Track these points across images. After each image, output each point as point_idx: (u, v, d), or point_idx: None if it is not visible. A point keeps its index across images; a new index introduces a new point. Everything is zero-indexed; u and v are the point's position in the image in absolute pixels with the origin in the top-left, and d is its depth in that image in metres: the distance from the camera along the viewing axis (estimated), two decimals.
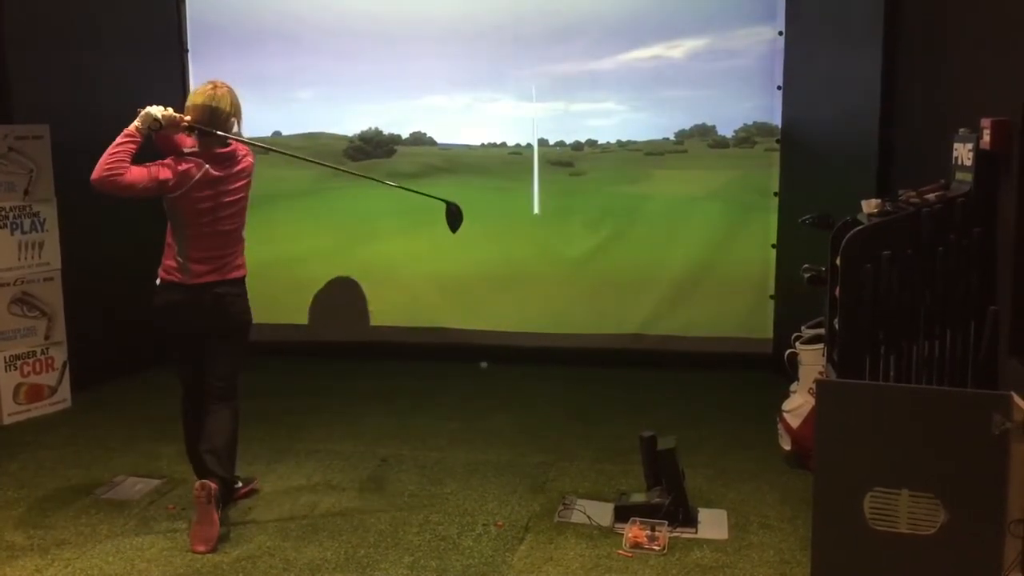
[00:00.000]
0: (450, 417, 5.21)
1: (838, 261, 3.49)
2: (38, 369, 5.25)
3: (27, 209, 5.18)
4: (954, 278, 3.33)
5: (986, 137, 3.20)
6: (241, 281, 3.86)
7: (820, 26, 5.53)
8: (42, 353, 5.27)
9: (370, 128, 6.40)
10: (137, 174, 3.56)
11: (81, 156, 5.20)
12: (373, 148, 6.42)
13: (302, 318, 6.53)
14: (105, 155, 3.53)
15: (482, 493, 4.12)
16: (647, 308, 6.16)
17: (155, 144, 3.77)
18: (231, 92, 3.78)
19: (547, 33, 6.09)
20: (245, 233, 3.92)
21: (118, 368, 5.85)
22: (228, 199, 3.76)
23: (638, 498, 3.84)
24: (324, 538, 3.68)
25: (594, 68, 6.10)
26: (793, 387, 4.49)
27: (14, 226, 5.13)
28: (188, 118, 3.69)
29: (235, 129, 3.79)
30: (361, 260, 6.45)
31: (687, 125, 6.07)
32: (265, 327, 6.40)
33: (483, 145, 6.31)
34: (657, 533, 3.61)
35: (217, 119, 3.70)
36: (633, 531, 3.61)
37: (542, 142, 6.23)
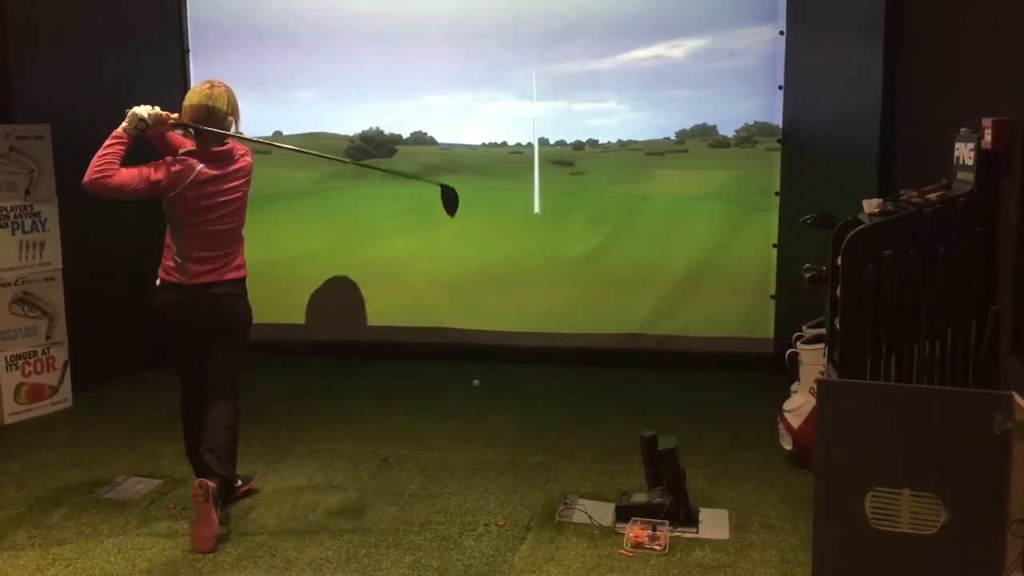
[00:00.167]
0: (451, 417, 5.21)
1: (839, 261, 3.49)
2: (39, 369, 5.25)
3: (28, 209, 5.18)
4: (955, 278, 3.33)
5: (987, 137, 3.20)
6: (240, 281, 3.84)
7: (821, 26, 5.52)
8: (43, 353, 5.27)
9: (371, 128, 6.40)
10: (127, 175, 3.56)
11: (82, 156, 5.20)
12: (374, 148, 6.42)
13: (302, 318, 6.53)
14: (94, 158, 3.55)
15: (483, 493, 4.12)
16: (648, 308, 6.16)
17: (152, 145, 3.79)
18: (229, 91, 3.78)
19: (548, 33, 6.09)
20: (245, 233, 3.91)
21: (119, 368, 5.85)
22: (224, 198, 3.75)
23: (639, 498, 3.84)
24: (325, 538, 3.69)
25: (595, 68, 6.11)
26: (794, 387, 4.49)
27: (15, 226, 5.13)
28: (175, 116, 3.71)
29: (233, 129, 3.79)
30: (361, 260, 6.45)
31: (688, 125, 6.07)
32: (265, 327, 6.40)
33: (484, 145, 6.31)
34: (658, 533, 3.61)
35: (214, 118, 3.70)
36: (634, 531, 3.61)
37: (543, 141, 6.23)
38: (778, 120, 5.90)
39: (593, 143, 6.19)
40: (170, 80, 6.15)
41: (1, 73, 5.19)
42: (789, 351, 4.48)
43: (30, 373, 5.21)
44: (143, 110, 3.62)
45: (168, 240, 3.80)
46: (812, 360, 4.29)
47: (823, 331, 4.10)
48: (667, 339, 6.14)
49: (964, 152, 3.43)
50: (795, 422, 4.32)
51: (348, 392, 5.73)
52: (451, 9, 6.16)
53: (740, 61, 5.94)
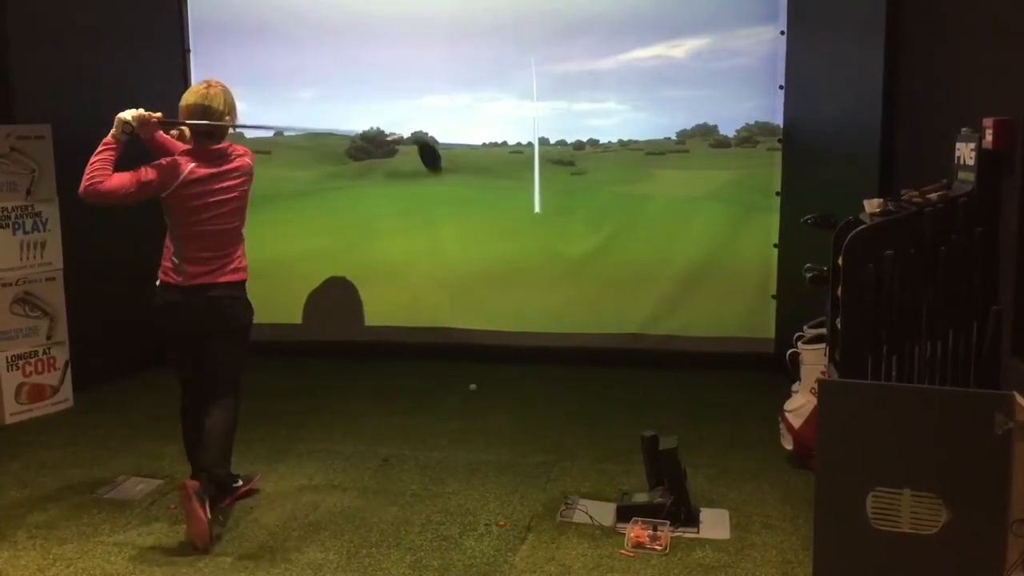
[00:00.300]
0: (451, 417, 5.21)
1: (840, 261, 3.50)
2: (40, 369, 5.25)
3: (29, 209, 5.18)
4: (956, 278, 3.33)
5: (988, 137, 3.20)
6: (239, 284, 3.82)
7: (822, 26, 5.52)
8: (44, 353, 5.27)
9: (372, 128, 6.40)
10: (118, 179, 3.58)
11: (83, 156, 5.19)
12: (375, 148, 6.42)
13: (302, 318, 6.53)
14: (86, 168, 3.59)
15: (484, 493, 4.12)
16: (648, 307, 6.16)
17: (149, 149, 3.81)
18: (225, 91, 3.77)
19: (548, 32, 6.09)
20: (246, 233, 3.90)
21: (119, 368, 5.85)
22: (219, 198, 3.72)
23: (640, 498, 3.84)
24: (326, 538, 3.68)
25: (595, 67, 6.10)
26: (795, 387, 4.49)
27: (16, 226, 5.13)
28: (158, 115, 3.73)
29: (232, 125, 3.79)
30: (361, 260, 6.45)
31: (688, 125, 6.07)
32: (265, 327, 6.41)
33: (484, 145, 6.31)
34: (659, 533, 3.61)
35: (210, 118, 3.69)
36: (635, 531, 3.61)
37: (543, 141, 6.23)
38: (779, 120, 5.90)
39: (594, 143, 6.19)
40: (171, 80, 6.14)
41: (1, 73, 5.19)
42: (790, 351, 4.48)
43: (31, 373, 5.21)
44: (128, 113, 3.66)
45: (167, 241, 3.81)
46: (813, 360, 4.29)
47: (824, 331, 4.10)
48: (668, 339, 6.14)
49: (965, 152, 3.43)
50: (796, 422, 4.31)
51: (348, 392, 5.72)
52: (452, 9, 6.16)
53: (741, 61, 5.94)
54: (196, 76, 6.24)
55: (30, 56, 5.30)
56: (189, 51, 6.34)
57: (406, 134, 6.37)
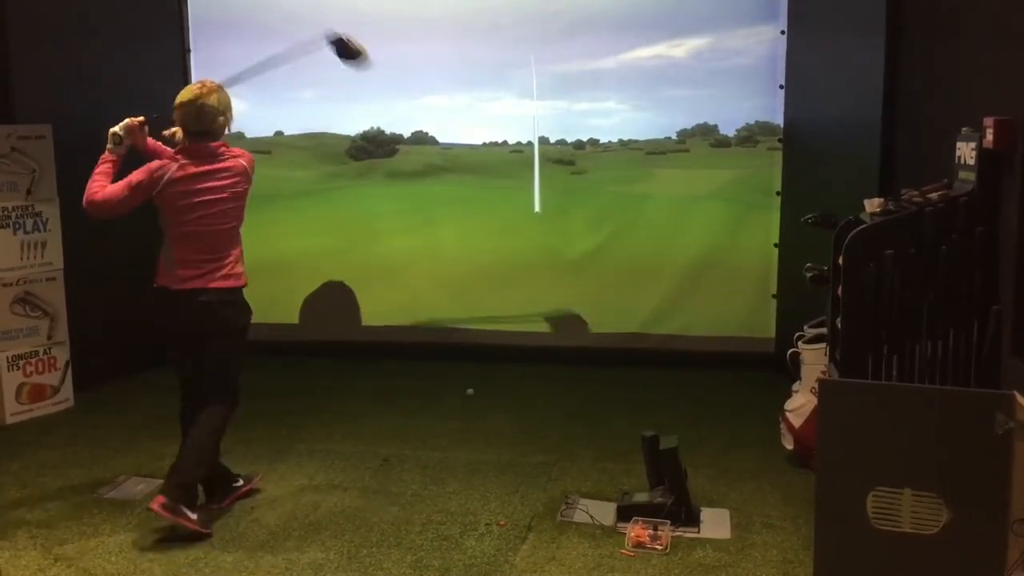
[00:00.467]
0: (451, 417, 5.21)
1: (840, 260, 3.49)
2: (40, 369, 5.25)
3: (29, 209, 5.18)
4: (957, 277, 3.32)
5: (989, 136, 3.20)
6: (233, 290, 3.77)
7: (822, 25, 5.52)
8: (44, 353, 5.27)
9: (372, 128, 6.40)
10: (111, 189, 3.64)
11: (83, 156, 5.19)
12: (375, 148, 6.42)
13: (302, 318, 6.53)
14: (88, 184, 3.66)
15: (484, 493, 4.12)
16: (649, 307, 6.16)
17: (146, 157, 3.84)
18: (220, 91, 3.75)
19: (549, 32, 6.09)
20: (248, 233, 3.89)
21: (120, 368, 5.85)
22: (208, 197, 3.68)
23: (641, 497, 3.84)
24: (326, 537, 3.69)
25: (596, 67, 6.10)
26: (795, 386, 4.49)
27: (16, 226, 5.13)
28: (141, 118, 3.77)
29: (227, 130, 3.77)
30: (361, 260, 6.45)
31: (689, 124, 6.07)
32: (265, 327, 6.41)
33: (484, 144, 6.30)
34: (660, 532, 3.61)
35: (203, 117, 3.67)
36: (636, 530, 3.61)
37: (543, 140, 6.23)
38: (779, 119, 5.90)
39: (594, 142, 6.19)
40: (171, 80, 6.14)
41: (1, 73, 5.19)
42: (790, 351, 4.48)
43: (31, 373, 5.21)
44: (117, 126, 3.74)
45: (164, 243, 3.81)
46: (813, 360, 4.28)
47: (824, 331, 4.10)
48: (668, 338, 6.14)
49: (965, 152, 3.43)
50: (796, 422, 4.31)
51: (348, 392, 5.72)
52: (452, 8, 6.16)
53: (741, 60, 5.94)
54: (196, 76, 6.24)
55: (30, 56, 5.30)
56: (189, 51, 6.34)
57: (407, 134, 6.37)
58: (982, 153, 3.28)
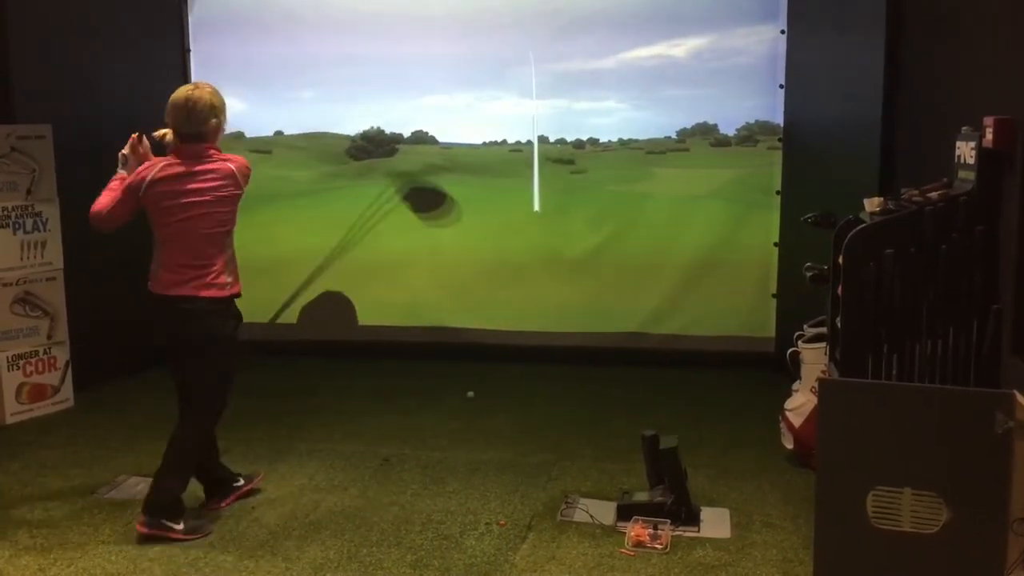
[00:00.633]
0: (451, 416, 5.21)
1: (840, 259, 3.49)
2: (40, 369, 5.25)
3: (29, 209, 5.18)
4: (957, 277, 3.32)
5: (989, 135, 3.20)
6: (216, 300, 3.66)
7: (822, 24, 5.52)
8: (44, 353, 5.27)
9: (372, 127, 6.40)
10: (104, 198, 3.68)
11: (83, 156, 5.21)
12: (375, 147, 6.42)
13: (302, 318, 6.53)
14: None
15: (484, 492, 4.12)
16: (649, 306, 6.16)
17: None
18: (213, 92, 3.69)
19: (549, 31, 6.09)
20: (232, 243, 3.77)
21: (120, 368, 5.85)
22: (192, 199, 3.61)
23: (641, 497, 3.84)
24: (326, 537, 3.69)
25: (596, 66, 6.10)
26: (795, 386, 4.49)
27: (16, 226, 5.13)
28: (136, 134, 3.79)
29: (222, 132, 3.72)
30: (361, 259, 6.44)
31: (689, 124, 6.07)
32: (265, 327, 6.44)
33: (484, 144, 6.30)
34: (660, 532, 3.61)
35: (194, 117, 3.61)
36: (636, 530, 3.61)
37: (542, 140, 6.23)
38: (779, 119, 5.90)
39: (594, 142, 6.19)
40: (170, 80, 6.13)
41: (2, 73, 5.19)
42: (790, 350, 4.48)
43: (31, 373, 5.21)
44: (125, 148, 3.79)
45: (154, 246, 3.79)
46: (813, 359, 4.29)
47: (824, 330, 4.10)
48: (668, 338, 6.14)
49: (965, 151, 3.43)
50: (796, 421, 4.31)
51: (348, 392, 5.72)
52: (452, 8, 6.16)
53: (741, 60, 5.94)
54: (196, 75, 6.25)
55: (30, 56, 5.30)
56: (189, 51, 6.34)
57: (407, 133, 6.37)
58: (982, 152, 3.28)
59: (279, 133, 6.44)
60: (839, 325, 3.52)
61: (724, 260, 6.04)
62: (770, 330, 5.96)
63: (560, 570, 3.41)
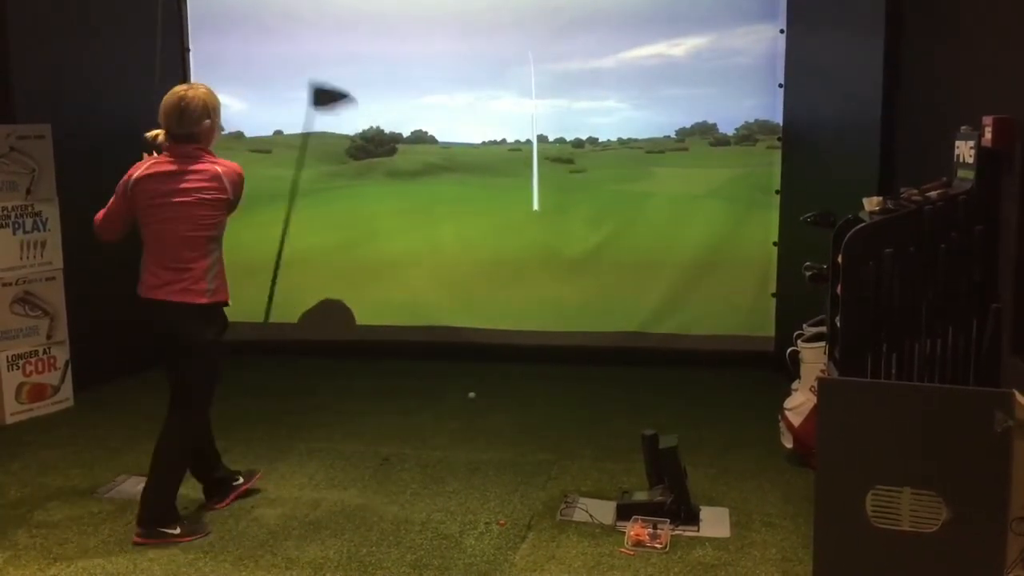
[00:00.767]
0: (451, 416, 5.22)
1: (840, 259, 3.49)
2: (40, 368, 5.25)
3: (29, 209, 5.18)
4: (956, 276, 3.33)
5: (988, 135, 3.20)
6: (193, 307, 3.60)
7: (822, 24, 5.52)
8: (44, 352, 5.27)
9: (371, 127, 6.40)
10: (105, 207, 3.69)
11: (83, 156, 5.21)
12: (375, 147, 6.42)
13: (302, 317, 6.53)
14: None
15: (484, 492, 4.12)
16: (648, 306, 6.16)
17: None
18: (207, 94, 3.65)
19: (549, 31, 6.10)
20: (218, 250, 3.70)
21: (119, 368, 5.85)
22: (175, 199, 3.56)
23: (640, 496, 3.85)
24: (326, 537, 3.69)
25: (596, 66, 6.11)
26: (795, 385, 4.49)
27: (16, 226, 5.13)
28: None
29: (215, 134, 3.69)
30: (361, 259, 6.44)
31: (688, 123, 6.07)
32: (265, 327, 6.43)
33: (484, 143, 6.31)
34: (659, 531, 3.61)
35: (186, 118, 3.59)
36: (635, 529, 3.61)
37: (542, 138, 6.23)
38: (778, 118, 5.90)
39: (593, 141, 6.20)
40: (171, 80, 6.12)
41: (1, 73, 5.19)
42: (790, 349, 4.48)
43: (31, 373, 5.21)
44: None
45: None
46: (813, 358, 4.29)
47: (824, 329, 4.10)
48: (668, 337, 6.14)
49: (964, 150, 3.43)
50: (796, 420, 4.32)
51: (348, 391, 5.72)
52: (452, 7, 6.16)
53: (741, 59, 5.95)
54: (196, 75, 6.25)
55: (30, 56, 5.30)
56: (188, 50, 6.34)
57: (406, 133, 6.37)
58: (981, 151, 3.29)
59: (278, 132, 6.44)
60: (838, 324, 3.52)
61: (724, 259, 6.05)
62: (769, 329, 5.97)
63: (560, 569, 3.41)
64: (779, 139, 5.92)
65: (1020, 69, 3.17)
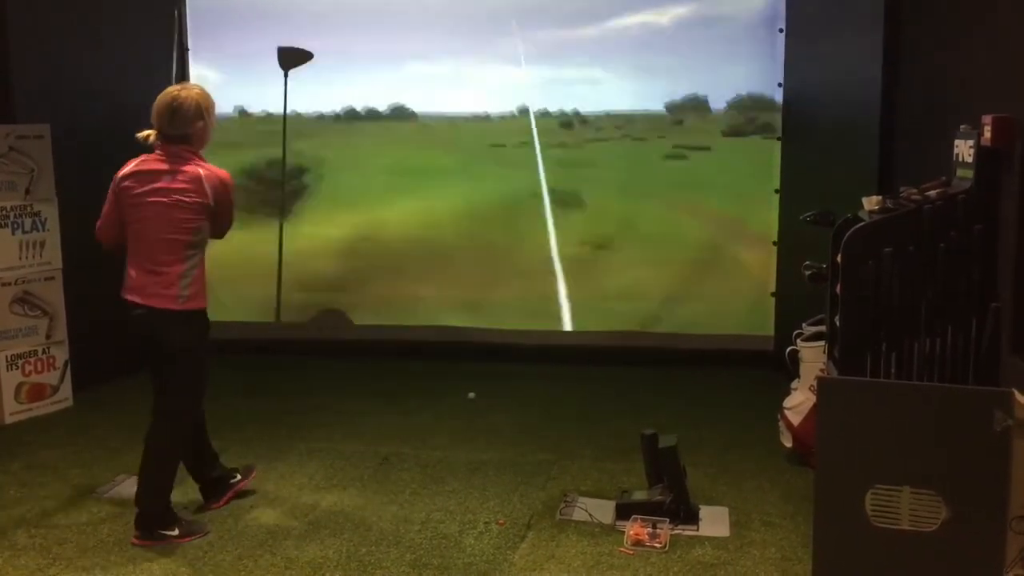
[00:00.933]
0: (451, 415, 5.21)
1: (839, 258, 3.49)
2: (39, 368, 5.25)
3: (28, 209, 5.18)
4: (955, 275, 3.33)
5: (987, 134, 3.20)
6: (167, 312, 3.55)
7: (821, 23, 5.52)
8: (43, 352, 5.27)
9: (350, 106, 6.33)
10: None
11: (82, 156, 5.20)
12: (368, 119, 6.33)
13: (302, 316, 6.53)
14: None
15: (483, 491, 4.12)
16: (648, 306, 6.16)
17: None
18: (201, 94, 3.61)
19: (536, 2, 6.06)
20: (197, 257, 3.65)
21: (119, 367, 5.83)
22: (154, 198, 3.53)
23: (640, 496, 3.85)
24: (326, 536, 3.69)
25: (581, 34, 6.05)
26: (794, 384, 4.49)
27: (15, 226, 5.13)
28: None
29: (207, 134, 3.65)
30: (361, 259, 6.44)
31: (678, 96, 6.01)
32: (264, 326, 6.43)
33: (473, 116, 6.24)
34: (659, 531, 3.61)
35: (178, 119, 3.55)
36: (635, 529, 3.61)
37: (542, 139, 6.22)
38: (771, 93, 5.86)
39: (583, 121, 6.14)
40: (169, 80, 6.13)
41: (1, 73, 5.19)
42: (789, 348, 4.48)
43: (30, 372, 5.21)
44: None
45: None
46: (812, 357, 4.29)
47: (823, 328, 4.10)
48: (667, 337, 6.14)
49: (964, 149, 3.43)
50: (795, 419, 4.32)
51: (348, 391, 5.72)
52: None
53: (733, 25, 5.90)
54: (194, 74, 6.26)
55: (29, 56, 5.29)
56: (188, 50, 6.33)
57: (383, 107, 6.28)
58: (980, 150, 3.29)
59: (240, 109, 6.36)
60: (838, 324, 3.52)
61: (723, 259, 6.05)
62: (769, 328, 5.96)
63: (559, 569, 3.41)
64: (778, 138, 5.92)
65: (1019, 68, 3.17)
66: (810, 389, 4.21)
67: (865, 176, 4.88)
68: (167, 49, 6.22)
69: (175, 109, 3.55)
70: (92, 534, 3.72)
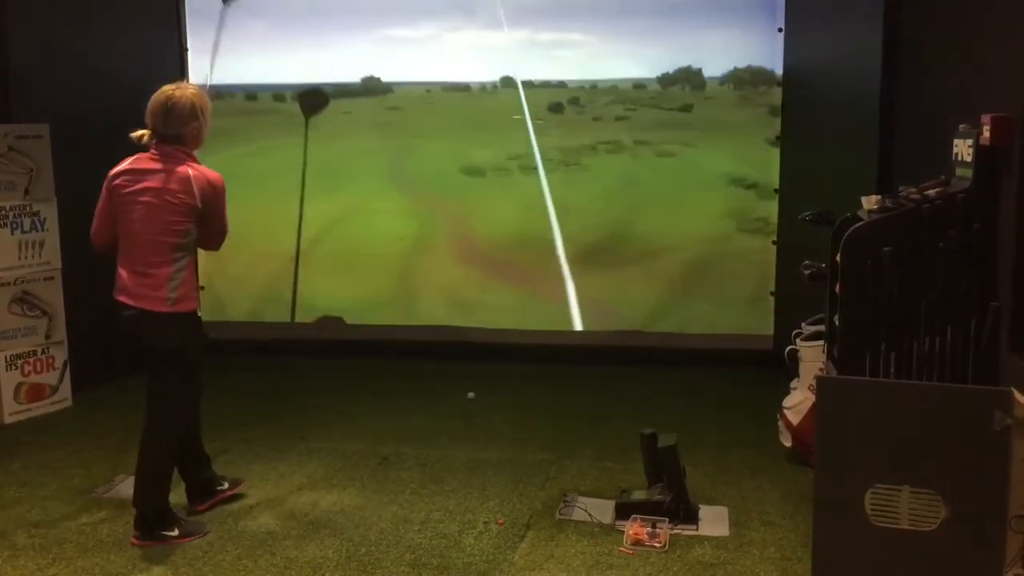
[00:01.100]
0: (451, 415, 5.21)
1: (838, 257, 3.50)
2: (39, 368, 5.25)
3: (27, 208, 5.18)
4: (954, 274, 3.33)
5: (986, 133, 3.20)
6: (155, 314, 3.50)
7: (820, 22, 5.52)
8: (43, 352, 5.27)
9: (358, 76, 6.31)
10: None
11: (81, 156, 5.19)
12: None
13: (301, 316, 6.53)
14: None
15: (483, 491, 4.12)
16: (647, 305, 6.16)
17: None
18: (196, 94, 3.57)
19: None
20: (186, 259, 3.59)
21: (118, 367, 5.84)
22: (142, 198, 3.49)
23: (639, 495, 3.85)
24: (325, 536, 3.69)
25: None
26: (793, 384, 4.50)
27: (14, 225, 5.13)
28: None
29: (202, 134, 3.61)
30: (361, 259, 6.43)
31: (672, 68, 6.00)
32: (264, 326, 6.43)
33: (483, 145, 6.25)
34: (658, 530, 3.61)
35: (172, 119, 3.51)
36: (634, 528, 3.61)
37: (540, 137, 6.22)
38: (772, 66, 5.86)
39: (573, 100, 6.14)
40: (168, 79, 6.12)
41: (0, 73, 5.19)
42: (788, 348, 4.48)
43: (30, 373, 5.21)
44: None
45: None
46: (811, 357, 4.29)
47: (822, 328, 4.10)
48: (667, 336, 6.14)
49: (963, 148, 3.43)
50: (794, 419, 4.32)
51: (348, 391, 5.72)
52: None
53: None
54: (194, 74, 6.26)
55: (29, 56, 5.29)
56: (187, 50, 6.33)
57: (356, 79, 6.25)
58: (979, 150, 3.29)
59: (215, 90, 6.28)
60: (837, 323, 3.52)
61: (722, 258, 6.05)
62: (768, 328, 5.96)
63: (559, 569, 3.41)
64: (778, 138, 5.91)
65: (1019, 68, 3.17)
66: (809, 388, 4.21)
67: (864, 175, 4.89)
68: (168, 49, 6.24)
69: (169, 109, 3.51)
70: (92, 534, 3.72)
